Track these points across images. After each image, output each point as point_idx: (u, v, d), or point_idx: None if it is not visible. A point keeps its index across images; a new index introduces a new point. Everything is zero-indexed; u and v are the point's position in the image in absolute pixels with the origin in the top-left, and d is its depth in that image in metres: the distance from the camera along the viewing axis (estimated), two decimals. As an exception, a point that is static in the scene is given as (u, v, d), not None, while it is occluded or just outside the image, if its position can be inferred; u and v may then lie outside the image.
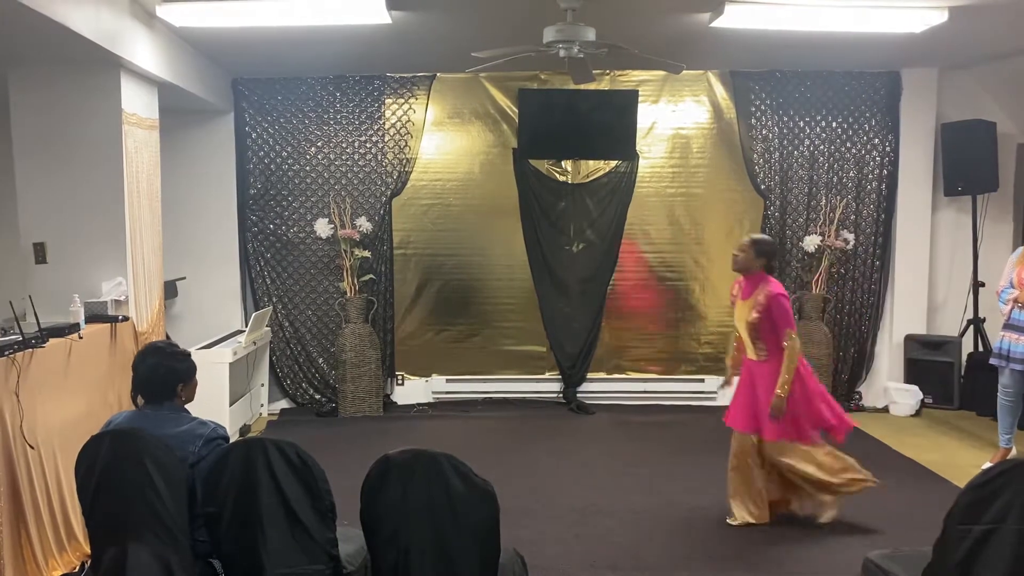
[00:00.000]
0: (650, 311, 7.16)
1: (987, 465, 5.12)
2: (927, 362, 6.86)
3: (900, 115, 6.84)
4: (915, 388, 6.80)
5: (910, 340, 6.94)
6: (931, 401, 6.84)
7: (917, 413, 6.75)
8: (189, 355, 2.95)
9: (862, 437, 6.15)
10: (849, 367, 7.03)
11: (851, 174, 6.90)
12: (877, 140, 6.88)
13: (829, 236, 6.69)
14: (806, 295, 6.77)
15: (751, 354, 4.33)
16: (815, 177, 6.92)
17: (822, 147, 6.90)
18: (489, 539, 2.56)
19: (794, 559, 4.02)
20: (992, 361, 5.29)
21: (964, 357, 6.80)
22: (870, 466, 5.39)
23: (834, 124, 6.89)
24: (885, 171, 6.90)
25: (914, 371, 6.92)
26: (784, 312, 4.15)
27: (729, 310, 7.02)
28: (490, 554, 2.57)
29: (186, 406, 2.93)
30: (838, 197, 6.84)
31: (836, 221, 6.74)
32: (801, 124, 6.90)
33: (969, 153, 6.58)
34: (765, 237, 4.45)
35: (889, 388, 6.92)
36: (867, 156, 6.90)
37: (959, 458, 5.57)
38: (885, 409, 6.91)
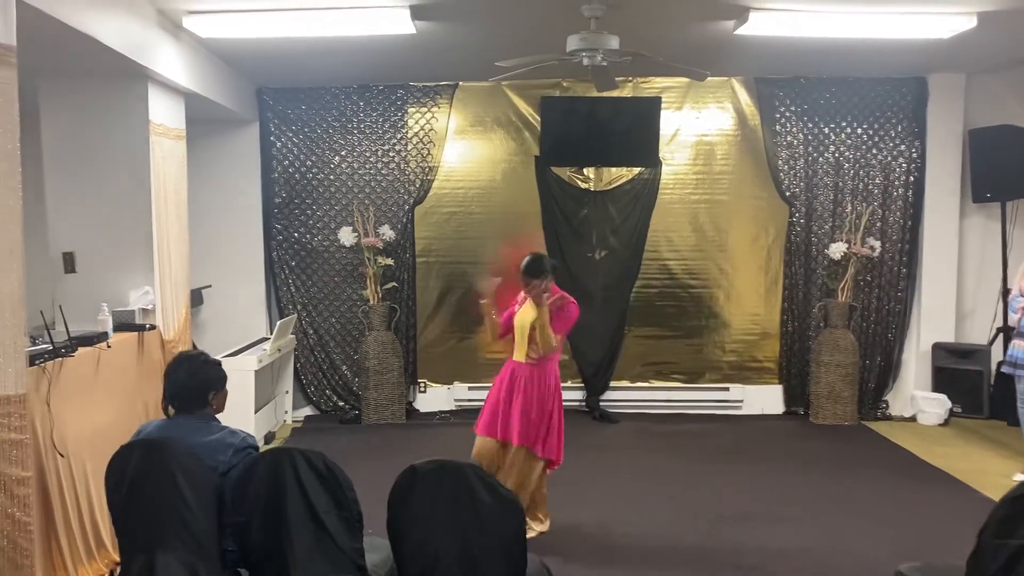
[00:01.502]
0: (674, 319, 7.12)
1: (1019, 476, 5.08)
2: (956, 371, 6.78)
3: (927, 121, 6.77)
4: (943, 397, 6.71)
5: (938, 348, 6.86)
6: (960, 410, 6.75)
7: (945, 422, 6.66)
8: (220, 364, 2.99)
9: (890, 447, 6.09)
10: (876, 376, 6.95)
11: (877, 180, 6.84)
12: (903, 146, 6.82)
13: (855, 243, 6.62)
14: (832, 303, 6.71)
15: (520, 356, 4.31)
16: (841, 184, 6.86)
17: (848, 153, 6.85)
18: (515, 549, 2.55)
19: (823, 571, 3.97)
20: (1004, 369, 5.25)
21: (994, 365, 6.71)
22: (899, 476, 5.37)
23: (860, 130, 6.83)
24: (912, 177, 6.83)
25: (942, 380, 6.83)
26: (570, 318, 4.25)
27: (754, 317, 7.06)
28: (516, 564, 2.56)
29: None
30: (864, 204, 6.78)
31: (862, 228, 6.67)
32: (826, 130, 6.85)
33: (998, 159, 6.50)
34: (531, 262, 4.17)
35: (917, 397, 6.83)
36: (893, 162, 6.84)
37: (989, 468, 5.50)
38: (913, 418, 6.82)
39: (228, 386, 3.01)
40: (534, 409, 4.22)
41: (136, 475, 2.68)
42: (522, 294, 4.31)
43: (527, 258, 4.20)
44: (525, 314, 4.27)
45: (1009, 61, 6.31)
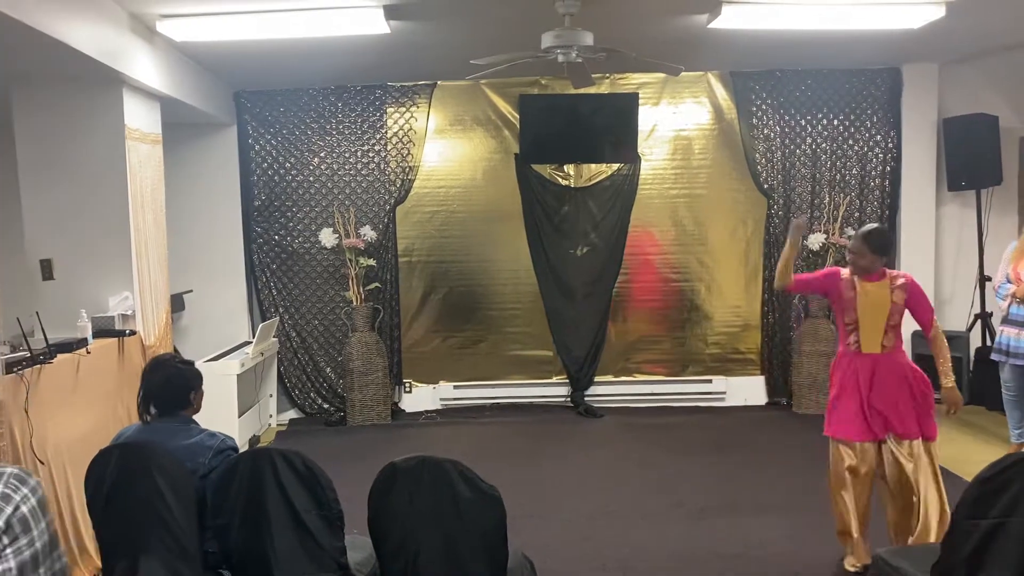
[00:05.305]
0: (656, 313, 7.16)
1: (998, 460, 5.11)
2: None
3: (902, 111, 6.83)
4: (924, 384, 6.76)
5: (918, 336, 6.91)
6: (939, 397, 6.78)
7: (926, 409, 6.72)
8: (193, 363, 3.01)
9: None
10: (857, 364, 7.00)
11: (854, 171, 6.90)
12: (879, 137, 6.88)
13: (833, 234, 6.68)
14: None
15: (872, 347, 3.97)
16: (818, 175, 6.92)
17: (824, 145, 6.90)
18: (497, 544, 2.57)
19: (803, 556, 4.01)
20: (993, 356, 5.29)
21: (972, 352, 6.78)
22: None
23: (836, 122, 6.89)
24: (888, 167, 6.89)
25: (922, 367, 6.81)
26: (926, 297, 3.99)
27: (735, 309, 7.10)
28: (498, 559, 2.58)
29: (194, 417, 2.95)
30: (841, 195, 6.84)
31: (840, 218, 6.73)
32: (803, 122, 6.90)
33: (972, 148, 6.57)
34: (873, 230, 3.89)
35: (898, 384, 6.88)
36: (869, 153, 6.90)
37: (969, 453, 5.54)
38: (894, 406, 6.87)
39: (210, 391, 3.03)
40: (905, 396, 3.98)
41: (116, 479, 2.68)
42: (846, 272, 3.89)
43: (875, 228, 3.89)
44: (871, 298, 3.88)
45: (980, 50, 6.38)
